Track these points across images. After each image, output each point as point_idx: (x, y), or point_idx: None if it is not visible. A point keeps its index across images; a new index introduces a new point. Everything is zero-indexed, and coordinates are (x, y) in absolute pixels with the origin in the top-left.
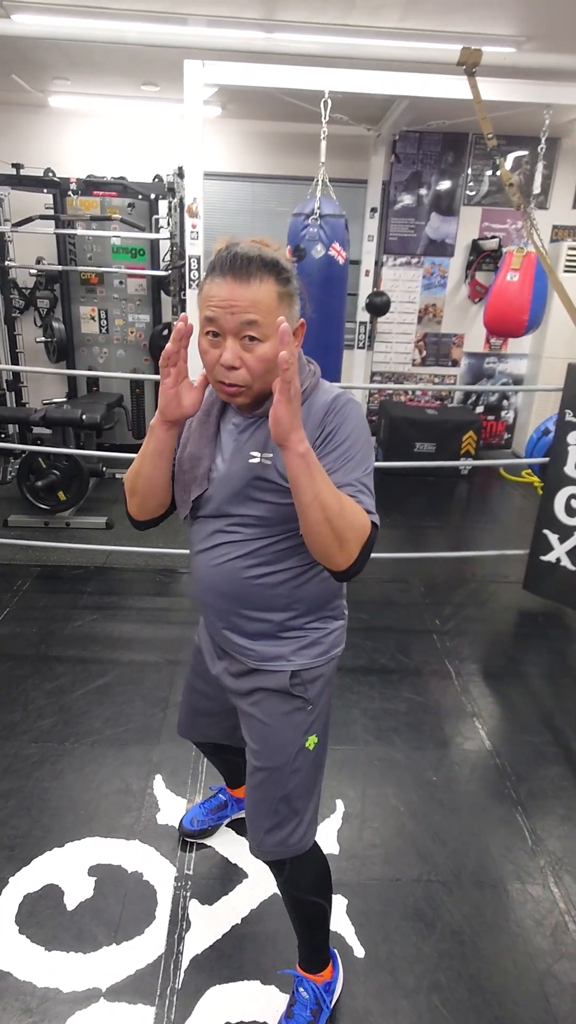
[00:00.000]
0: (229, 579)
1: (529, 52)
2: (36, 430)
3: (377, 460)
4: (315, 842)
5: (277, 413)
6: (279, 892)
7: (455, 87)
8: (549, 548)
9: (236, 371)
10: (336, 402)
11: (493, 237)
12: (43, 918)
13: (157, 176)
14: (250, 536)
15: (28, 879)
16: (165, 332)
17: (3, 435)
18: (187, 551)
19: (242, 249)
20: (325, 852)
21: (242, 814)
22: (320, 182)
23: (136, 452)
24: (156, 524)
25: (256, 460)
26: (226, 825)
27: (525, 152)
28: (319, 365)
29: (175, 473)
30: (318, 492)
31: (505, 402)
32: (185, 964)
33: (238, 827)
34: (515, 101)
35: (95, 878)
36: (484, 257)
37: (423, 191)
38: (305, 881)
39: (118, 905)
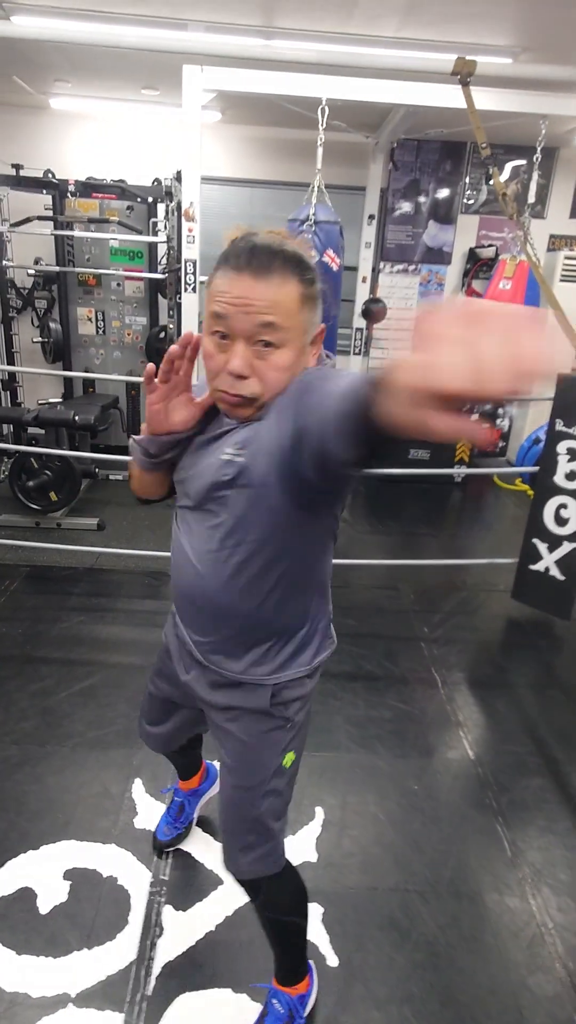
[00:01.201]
0: (208, 579)
1: (526, 63)
2: (30, 430)
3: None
4: (288, 860)
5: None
6: (254, 908)
7: (452, 96)
8: (538, 557)
9: (245, 381)
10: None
11: (490, 246)
12: (16, 921)
13: (156, 180)
14: (227, 543)
15: (2, 881)
16: (162, 335)
17: None
18: None
19: (262, 240)
20: (303, 860)
21: (203, 800)
22: (316, 188)
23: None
24: (162, 500)
25: (227, 456)
26: (203, 831)
27: (522, 162)
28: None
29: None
30: None
31: (500, 410)
32: (156, 970)
33: (213, 831)
34: (512, 111)
35: (70, 882)
36: (481, 265)
37: (421, 199)
38: (282, 901)
39: (92, 910)
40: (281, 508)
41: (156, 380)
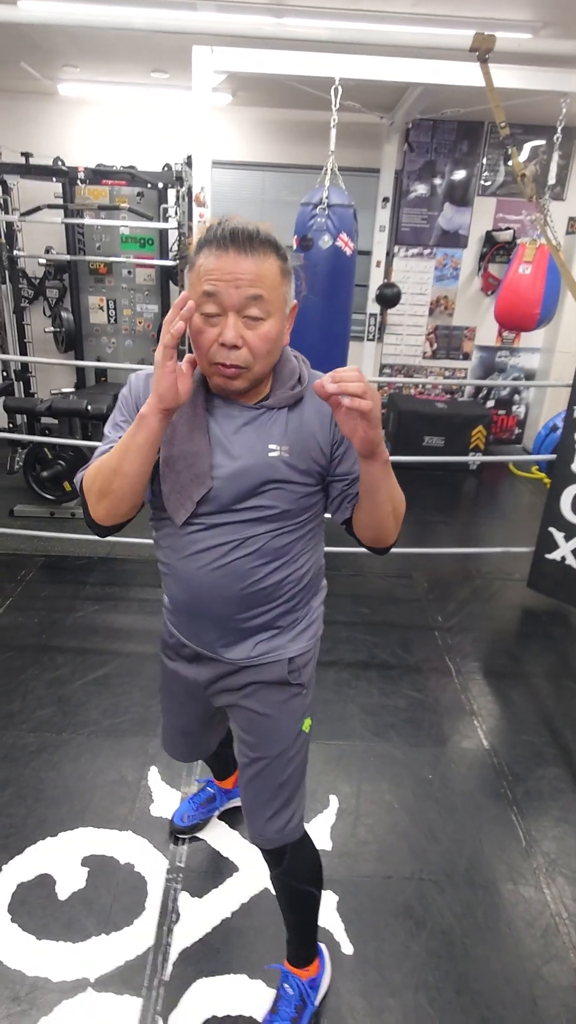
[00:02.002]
0: (236, 580)
1: (546, 38)
2: (43, 420)
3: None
4: (306, 831)
5: (369, 435)
6: (273, 884)
7: (469, 74)
8: (555, 546)
9: (237, 351)
10: None
11: (507, 229)
12: (35, 907)
13: (166, 165)
14: (261, 531)
15: (21, 868)
16: (168, 315)
17: (11, 425)
18: None
19: (239, 223)
20: (317, 848)
21: (232, 804)
22: (329, 171)
23: None
24: (119, 530)
25: (276, 454)
26: (218, 818)
27: (542, 142)
28: (324, 355)
29: (161, 473)
30: (391, 490)
31: (516, 397)
32: (173, 956)
33: (230, 820)
34: (531, 89)
35: (88, 868)
36: (498, 249)
37: (437, 181)
38: (302, 870)
39: (109, 896)
40: (308, 491)
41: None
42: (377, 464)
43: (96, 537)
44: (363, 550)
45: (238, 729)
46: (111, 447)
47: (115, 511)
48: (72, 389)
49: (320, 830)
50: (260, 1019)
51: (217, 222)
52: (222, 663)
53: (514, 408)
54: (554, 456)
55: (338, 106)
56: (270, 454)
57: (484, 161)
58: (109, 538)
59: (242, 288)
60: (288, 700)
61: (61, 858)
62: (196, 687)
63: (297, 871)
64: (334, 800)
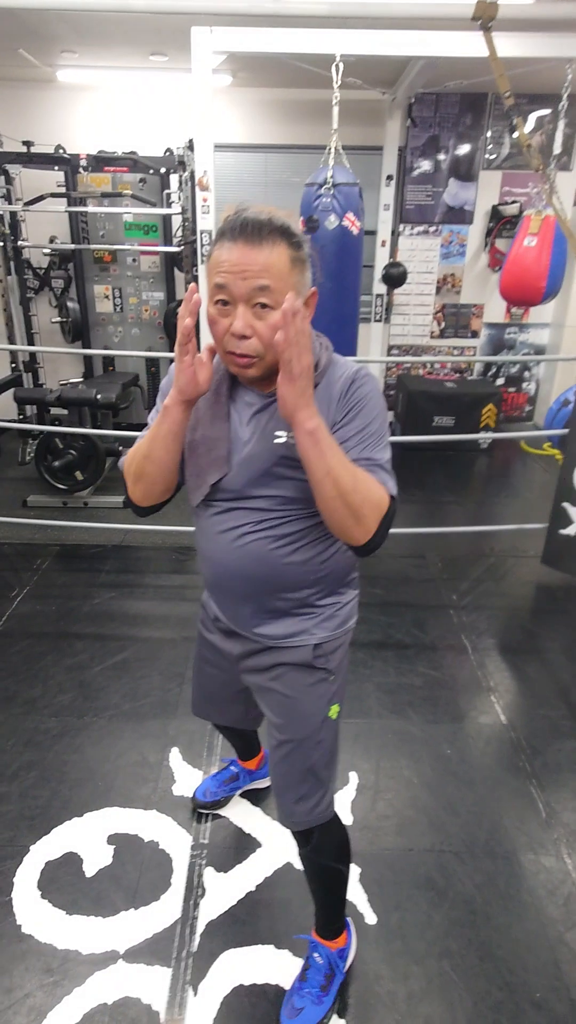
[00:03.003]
0: (257, 561)
1: (549, 2)
2: (53, 410)
3: (395, 435)
4: (335, 813)
5: (281, 392)
6: (301, 861)
7: (472, 44)
8: (569, 522)
9: (247, 340)
10: (356, 377)
11: (514, 202)
12: (63, 884)
13: (168, 150)
14: (275, 516)
15: (49, 847)
16: (179, 310)
17: (21, 416)
18: None
19: (252, 213)
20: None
21: (254, 785)
22: (333, 150)
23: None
24: (158, 510)
25: (282, 440)
26: (240, 796)
27: (547, 111)
28: (334, 339)
29: (185, 457)
30: (330, 468)
31: (526, 373)
32: (200, 929)
33: (252, 797)
34: (535, 56)
35: (113, 846)
36: (504, 223)
37: (441, 156)
38: (330, 848)
39: (135, 872)
40: None
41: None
42: (300, 433)
43: (109, 525)
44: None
45: (267, 711)
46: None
47: (150, 493)
48: (80, 379)
49: (341, 805)
50: (287, 987)
51: (234, 212)
52: (251, 640)
53: (524, 385)
54: (566, 431)
55: (340, 83)
56: (276, 440)
57: (488, 134)
58: (122, 526)
59: (249, 279)
60: (314, 684)
61: (87, 837)
62: (228, 660)
63: (325, 849)
64: (354, 776)
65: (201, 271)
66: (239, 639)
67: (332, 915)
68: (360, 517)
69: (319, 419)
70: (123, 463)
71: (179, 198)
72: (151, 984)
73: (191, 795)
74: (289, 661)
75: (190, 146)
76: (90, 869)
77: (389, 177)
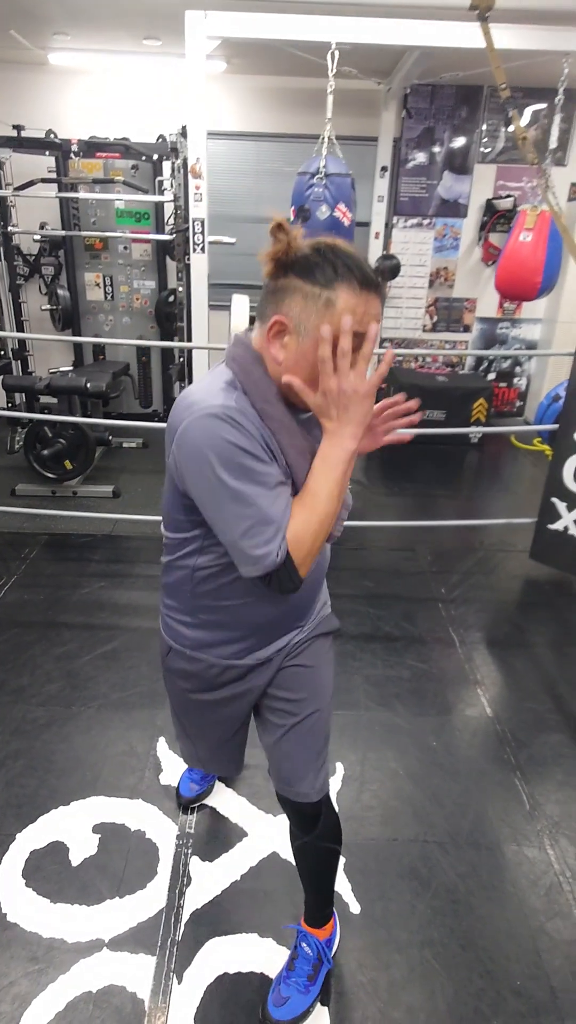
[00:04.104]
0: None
1: None
2: (42, 399)
3: None
4: None
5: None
6: (299, 851)
7: (469, 35)
8: (557, 516)
9: None
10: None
11: (508, 196)
12: (49, 872)
13: (160, 136)
14: None
15: (35, 835)
16: (171, 299)
17: (10, 404)
18: None
19: (364, 261)
20: None
21: None
22: (326, 140)
23: (144, 421)
24: None
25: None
26: (226, 785)
27: (543, 105)
28: None
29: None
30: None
31: (518, 368)
32: (185, 917)
33: (236, 787)
34: (532, 49)
35: (99, 835)
36: (498, 217)
37: (436, 148)
38: (333, 829)
39: (121, 861)
40: None
41: None
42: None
43: (98, 515)
44: (368, 523)
45: (284, 693)
46: (279, 497)
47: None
48: (70, 367)
49: None
50: (271, 975)
51: (348, 252)
52: (286, 642)
53: (515, 380)
54: (556, 426)
55: (335, 71)
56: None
57: (484, 127)
58: (112, 515)
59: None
60: (328, 649)
61: (73, 826)
62: (246, 697)
63: (330, 831)
64: (340, 767)
65: (195, 261)
66: (269, 662)
67: (323, 902)
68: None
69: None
70: (284, 554)
71: (171, 185)
72: (136, 972)
73: (176, 790)
74: (323, 631)
75: (183, 133)
76: (76, 858)
77: (384, 168)
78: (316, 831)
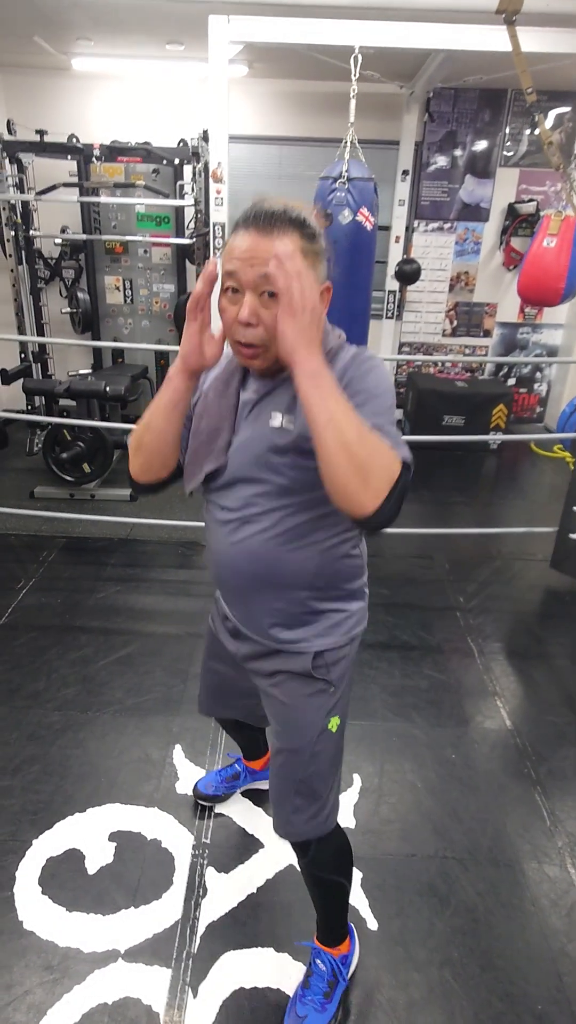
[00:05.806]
0: (251, 557)
1: None
2: (62, 402)
3: (404, 434)
4: (337, 823)
5: (281, 327)
6: (300, 870)
7: (493, 38)
8: None
9: (253, 329)
10: (363, 356)
11: (531, 200)
12: (65, 880)
13: (182, 140)
14: (271, 508)
15: (51, 843)
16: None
17: (29, 407)
18: None
19: (268, 204)
20: (341, 826)
21: (255, 785)
22: (348, 144)
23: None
24: (156, 491)
25: (277, 423)
26: (243, 795)
27: (567, 108)
28: (347, 334)
29: (188, 442)
30: (332, 414)
31: (538, 374)
32: (201, 929)
33: (255, 797)
34: (558, 52)
35: (115, 844)
36: (520, 222)
37: (457, 152)
38: (328, 861)
39: (137, 870)
40: (316, 464)
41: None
42: (300, 375)
43: (116, 519)
44: (384, 530)
45: (270, 716)
46: None
47: (147, 466)
48: (89, 370)
49: (343, 808)
50: (287, 991)
51: (252, 203)
52: (255, 642)
53: (536, 386)
54: None
55: (358, 76)
56: (271, 423)
57: (507, 130)
58: (128, 520)
59: (257, 266)
60: (313, 695)
61: (89, 833)
62: (234, 659)
63: (323, 862)
64: (357, 779)
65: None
66: (245, 640)
67: (333, 924)
68: (367, 476)
69: (322, 361)
70: (132, 434)
71: (192, 189)
72: (151, 984)
73: (194, 785)
74: (289, 669)
75: (204, 137)
76: (92, 866)
77: (405, 172)
78: (307, 858)
